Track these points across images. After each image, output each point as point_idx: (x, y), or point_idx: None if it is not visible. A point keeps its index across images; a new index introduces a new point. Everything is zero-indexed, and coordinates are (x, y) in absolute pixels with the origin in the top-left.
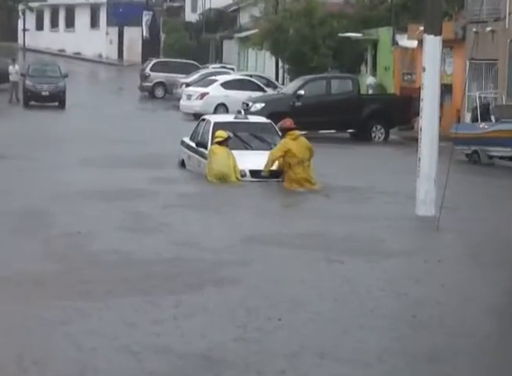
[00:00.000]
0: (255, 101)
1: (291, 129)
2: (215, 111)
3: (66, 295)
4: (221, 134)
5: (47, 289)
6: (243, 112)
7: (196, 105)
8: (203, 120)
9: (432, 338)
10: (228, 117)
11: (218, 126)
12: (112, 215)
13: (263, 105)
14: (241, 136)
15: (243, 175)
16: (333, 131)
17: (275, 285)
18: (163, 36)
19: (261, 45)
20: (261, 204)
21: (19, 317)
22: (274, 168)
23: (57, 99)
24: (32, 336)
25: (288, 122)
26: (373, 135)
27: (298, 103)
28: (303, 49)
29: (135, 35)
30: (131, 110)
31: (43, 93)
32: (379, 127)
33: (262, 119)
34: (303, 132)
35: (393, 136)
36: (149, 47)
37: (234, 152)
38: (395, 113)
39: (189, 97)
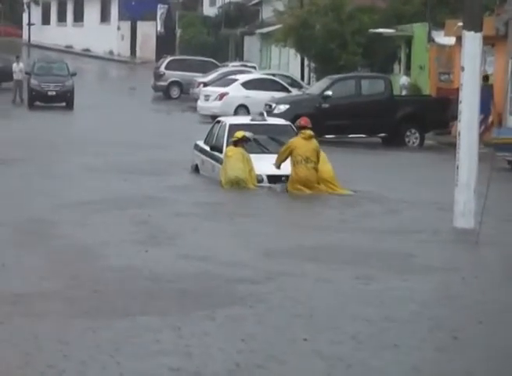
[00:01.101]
0: (279, 102)
1: (305, 128)
2: (235, 113)
3: (75, 313)
4: (238, 133)
5: (53, 307)
6: (265, 114)
7: (214, 106)
8: (218, 122)
9: (475, 360)
10: (245, 119)
11: (234, 128)
12: (121, 226)
13: (287, 106)
14: (258, 139)
15: (260, 181)
16: (363, 135)
17: (300, 303)
18: (179, 31)
19: (284, 42)
20: (280, 213)
21: (26, 335)
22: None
23: (64, 100)
24: (42, 356)
25: (303, 120)
26: (406, 140)
27: (325, 105)
28: (330, 46)
29: (148, 30)
30: (144, 112)
31: (49, 93)
32: (413, 131)
33: (281, 121)
34: (330, 136)
35: (428, 141)
36: (164, 43)
37: (251, 156)
38: (431, 117)
39: (206, 98)
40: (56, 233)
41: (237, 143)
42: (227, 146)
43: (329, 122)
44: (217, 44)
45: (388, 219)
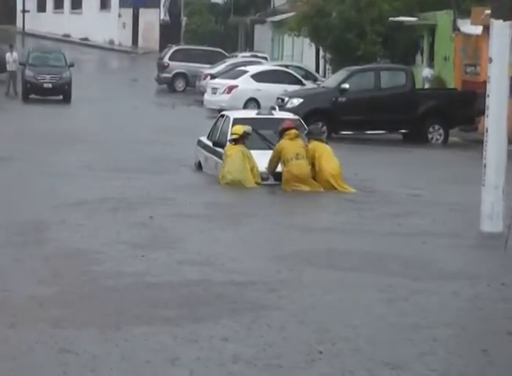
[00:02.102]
0: (292, 96)
1: (289, 129)
2: (245, 107)
3: (68, 323)
4: (237, 130)
5: (45, 315)
6: (277, 108)
7: (222, 100)
8: (222, 116)
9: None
10: (251, 113)
11: (238, 123)
12: (120, 228)
13: (301, 101)
14: (264, 134)
15: (265, 178)
16: (382, 131)
17: (315, 313)
18: (184, 19)
19: (298, 31)
20: (287, 213)
21: (17, 343)
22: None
23: (61, 93)
24: (34, 367)
25: (285, 123)
26: (429, 136)
27: (342, 99)
28: (348, 36)
29: (151, 18)
30: (147, 106)
31: (45, 85)
32: (437, 127)
33: (289, 115)
34: (347, 133)
35: (453, 138)
36: (168, 32)
37: (255, 152)
38: (456, 111)
39: (214, 91)
40: (50, 236)
41: (237, 141)
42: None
43: (346, 117)
44: (225, 33)
45: (408, 221)
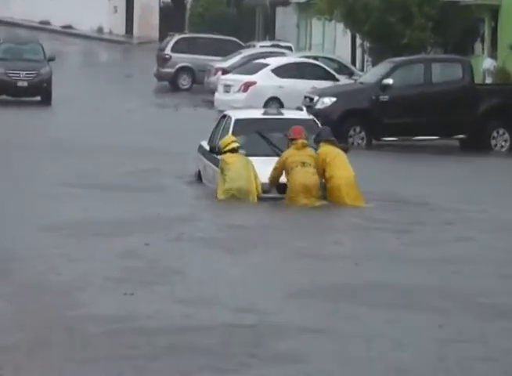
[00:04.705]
0: (322, 94)
1: (295, 139)
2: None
3: None
4: (228, 141)
5: (17, 367)
6: (304, 109)
7: (237, 100)
8: (224, 117)
9: None
10: (256, 113)
11: (241, 124)
12: (104, 258)
13: (334, 100)
14: (271, 138)
15: (266, 191)
16: (435, 137)
17: (347, 364)
18: (189, 1)
19: (330, 14)
20: (297, 236)
21: None
22: None
23: (39, 93)
24: None
25: (293, 132)
26: (492, 142)
27: (384, 97)
28: (390, 20)
29: (149, 1)
30: (144, 107)
31: (19, 84)
32: (501, 131)
33: (302, 114)
34: (391, 139)
35: None
36: (170, 17)
37: (260, 158)
38: None
39: (227, 89)
40: (20, 269)
41: (234, 150)
42: (222, 149)
43: (390, 120)
44: (240, 17)
45: (457, 247)
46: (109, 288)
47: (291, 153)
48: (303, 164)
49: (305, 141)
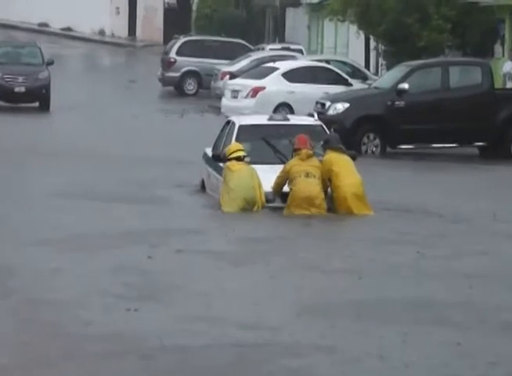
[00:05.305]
0: (335, 100)
1: (299, 149)
2: None
3: None
4: (235, 148)
5: None
6: (316, 116)
7: (245, 106)
8: (228, 122)
9: None
10: (261, 119)
11: (245, 130)
12: (103, 273)
13: (347, 106)
14: (276, 145)
15: (270, 200)
16: (453, 144)
17: None
18: (195, 2)
19: (343, 15)
20: (306, 248)
21: None
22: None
23: (37, 98)
24: None
25: (298, 141)
26: None
27: (400, 103)
28: (406, 21)
29: (153, 2)
30: (148, 114)
31: (16, 89)
32: None
33: (309, 120)
34: (407, 147)
35: None
36: (175, 19)
37: (264, 167)
38: None
39: (234, 94)
40: (17, 285)
41: (240, 159)
42: (226, 156)
43: (406, 127)
44: (248, 19)
45: (477, 261)
46: (110, 304)
47: (296, 163)
48: (307, 174)
49: (310, 151)
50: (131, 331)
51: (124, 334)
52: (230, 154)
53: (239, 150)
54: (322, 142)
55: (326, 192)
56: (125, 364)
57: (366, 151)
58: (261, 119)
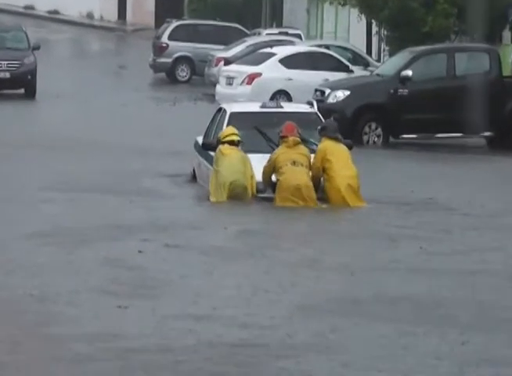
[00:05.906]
0: (335, 87)
1: (285, 137)
2: None
3: None
4: (229, 132)
5: None
6: (315, 104)
7: (241, 93)
8: (220, 110)
9: None
10: (253, 106)
11: (237, 118)
12: (90, 268)
13: (348, 93)
14: (269, 133)
15: (261, 190)
16: (459, 134)
17: None
18: None
19: None
20: (302, 243)
21: None
22: None
23: (23, 85)
24: None
25: (285, 128)
26: None
27: (403, 91)
28: (411, 5)
29: None
30: (139, 102)
31: (1, 75)
32: None
33: (303, 108)
34: (411, 136)
35: None
36: (168, 2)
37: (256, 155)
38: None
39: (229, 81)
40: (3, 282)
41: (234, 143)
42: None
43: (409, 116)
44: (244, 2)
45: (485, 257)
46: (100, 301)
47: (282, 151)
48: (294, 162)
49: (297, 138)
50: (120, 330)
51: (113, 332)
52: (224, 138)
53: (234, 133)
54: (318, 129)
55: (319, 181)
56: (113, 364)
57: (368, 141)
58: (254, 106)
